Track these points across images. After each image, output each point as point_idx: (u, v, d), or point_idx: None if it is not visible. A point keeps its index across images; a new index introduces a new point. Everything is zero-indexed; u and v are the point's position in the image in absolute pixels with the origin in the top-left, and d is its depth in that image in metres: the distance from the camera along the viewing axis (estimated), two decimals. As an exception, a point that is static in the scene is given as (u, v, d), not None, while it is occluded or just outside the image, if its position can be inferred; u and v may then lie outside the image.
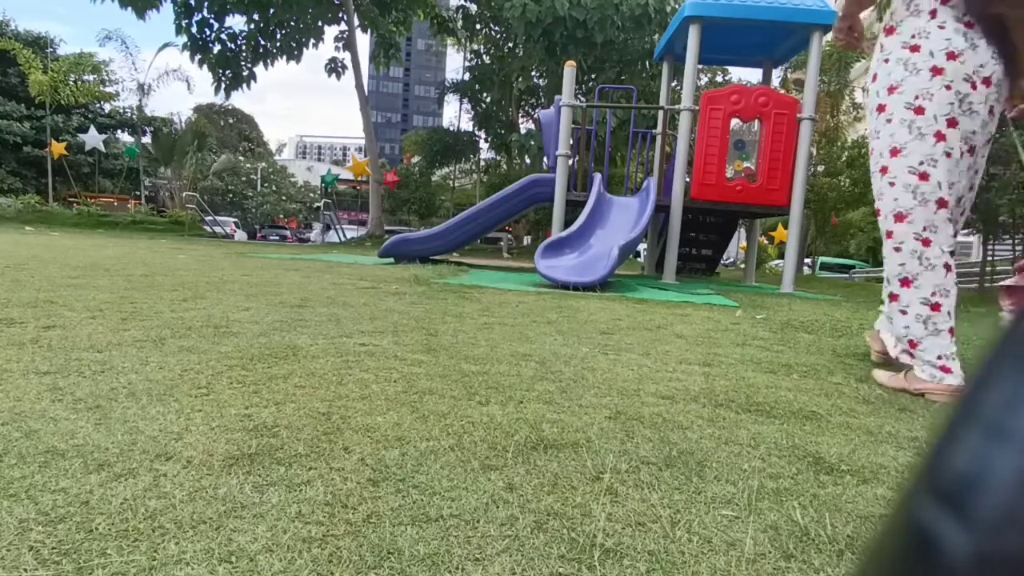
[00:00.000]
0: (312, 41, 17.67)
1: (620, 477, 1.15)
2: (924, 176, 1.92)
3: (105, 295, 3.00)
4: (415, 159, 30.63)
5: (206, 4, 16.07)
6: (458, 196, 32.52)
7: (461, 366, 1.94)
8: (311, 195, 37.72)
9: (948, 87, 1.86)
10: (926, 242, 1.94)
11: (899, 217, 1.97)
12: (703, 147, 6.56)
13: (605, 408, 1.58)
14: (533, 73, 21.07)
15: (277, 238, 28.56)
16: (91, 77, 25.74)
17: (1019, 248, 8.47)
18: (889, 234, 2.02)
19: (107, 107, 31.23)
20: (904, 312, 2.01)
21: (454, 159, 27.41)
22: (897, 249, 2.00)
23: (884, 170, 2.01)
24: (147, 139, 28.58)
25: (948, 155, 1.90)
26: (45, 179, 24.90)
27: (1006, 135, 6.54)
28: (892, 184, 1.98)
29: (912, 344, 2.01)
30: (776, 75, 13.62)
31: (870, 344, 2.49)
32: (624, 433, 1.40)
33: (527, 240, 25.86)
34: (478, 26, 21.38)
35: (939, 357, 1.95)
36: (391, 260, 7.48)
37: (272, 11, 15.93)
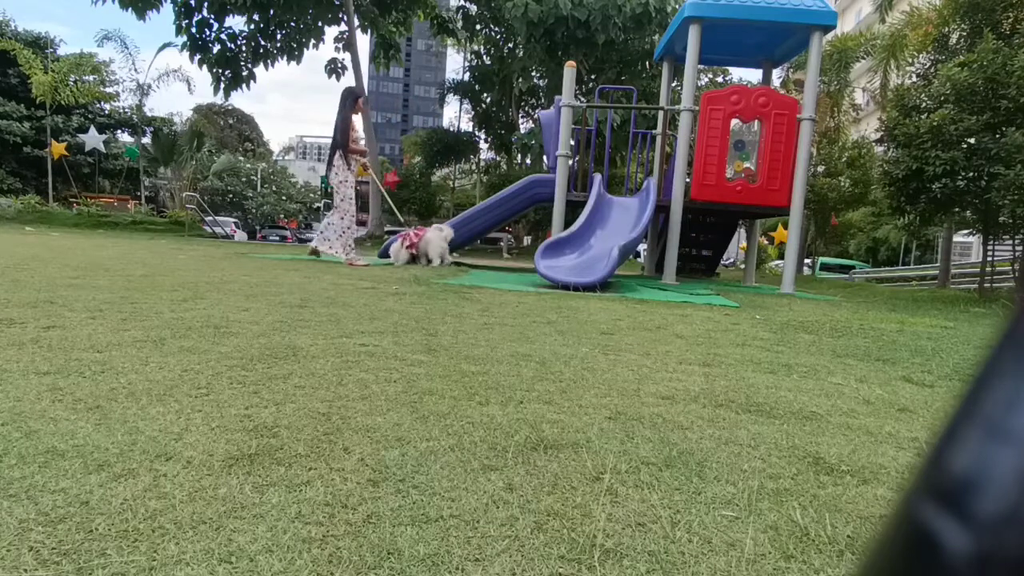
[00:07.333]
0: (312, 41, 17.68)
1: (620, 477, 1.15)
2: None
3: (105, 295, 3.00)
4: (415, 159, 30.63)
5: (206, 4, 16.07)
6: (458, 196, 32.49)
7: (461, 366, 1.94)
8: (311, 195, 37.71)
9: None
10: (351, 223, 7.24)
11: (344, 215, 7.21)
12: (703, 147, 6.56)
13: (605, 408, 1.58)
14: (533, 73, 21.06)
15: (277, 239, 28.53)
16: (91, 77, 25.74)
17: (1019, 248, 8.46)
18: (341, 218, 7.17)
19: (107, 107, 31.21)
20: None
21: (454, 159, 27.41)
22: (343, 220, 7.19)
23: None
24: (147, 139, 28.56)
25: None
26: (45, 179, 24.87)
27: (1008, 135, 6.54)
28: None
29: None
30: (777, 75, 13.63)
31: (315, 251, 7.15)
32: (624, 433, 1.40)
33: (527, 240, 25.84)
34: (478, 26, 21.37)
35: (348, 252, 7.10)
36: (391, 260, 7.48)
37: (272, 11, 15.92)
